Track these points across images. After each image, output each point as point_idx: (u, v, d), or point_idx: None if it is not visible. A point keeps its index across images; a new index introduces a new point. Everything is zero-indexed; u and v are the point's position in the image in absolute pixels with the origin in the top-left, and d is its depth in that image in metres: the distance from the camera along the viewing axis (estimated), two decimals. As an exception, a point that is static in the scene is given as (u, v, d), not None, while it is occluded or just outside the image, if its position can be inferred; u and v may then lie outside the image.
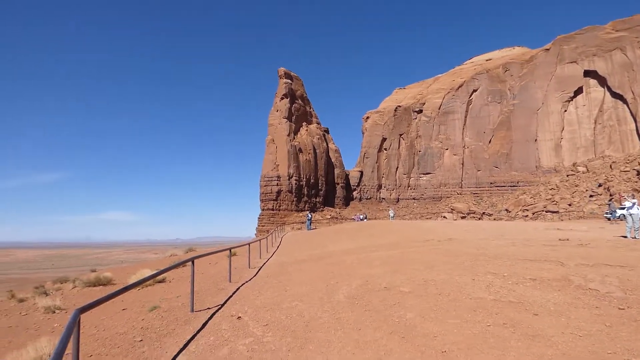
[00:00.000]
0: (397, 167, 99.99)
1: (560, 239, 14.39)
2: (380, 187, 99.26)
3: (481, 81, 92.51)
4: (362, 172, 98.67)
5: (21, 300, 16.50)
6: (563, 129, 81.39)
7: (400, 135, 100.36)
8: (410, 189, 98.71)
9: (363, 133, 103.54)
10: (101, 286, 16.53)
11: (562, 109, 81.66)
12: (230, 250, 12.12)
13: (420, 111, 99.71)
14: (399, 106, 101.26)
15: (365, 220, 53.64)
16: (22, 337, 9.29)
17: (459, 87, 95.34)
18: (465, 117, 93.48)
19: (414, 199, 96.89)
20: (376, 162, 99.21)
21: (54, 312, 12.13)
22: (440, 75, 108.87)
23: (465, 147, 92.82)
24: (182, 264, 7.92)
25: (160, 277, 12.88)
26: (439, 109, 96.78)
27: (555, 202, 58.53)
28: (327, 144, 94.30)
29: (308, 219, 48.48)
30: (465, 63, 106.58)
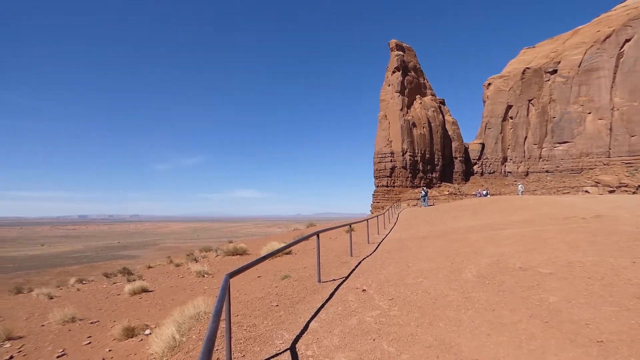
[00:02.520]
0: (526, 137, 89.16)
1: None
2: (505, 160, 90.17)
3: (636, 28, 75.42)
4: (483, 145, 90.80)
5: (177, 265, 19.74)
6: None
7: (529, 101, 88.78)
8: (543, 160, 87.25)
9: (484, 102, 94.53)
10: (238, 255, 18.71)
11: None
12: (350, 226, 12.44)
13: (555, 71, 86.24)
14: (527, 68, 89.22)
15: (487, 196, 49.62)
16: (182, 296, 11.11)
17: (606, 38, 79.25)
18: (615, 73, 77.68)
19: (547, 171, 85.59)
20: (500, 133, 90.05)
21: (203, 276, 14.19)
22: (580, 26, 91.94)
23: (615, 109, 77.51)
24: (308, 237, 8.41)
25: (287, 249, 13.95)
26: (579, 66, 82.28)
27: None
28: (443, 117, 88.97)
29: (422, 195, 46.93)
30: (614, 8, 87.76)
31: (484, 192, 54.01)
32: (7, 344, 8.33)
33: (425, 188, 53.87)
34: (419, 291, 6.50)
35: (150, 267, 22.08)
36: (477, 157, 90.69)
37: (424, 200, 45.70)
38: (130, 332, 7.51)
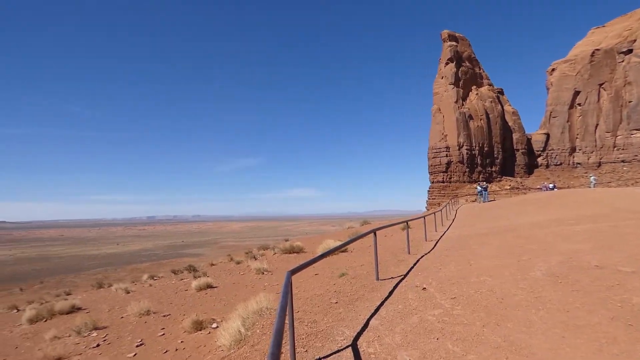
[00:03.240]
0: (597, 125, 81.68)
1: None
2: (573, 150, 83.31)
3: None
4: (548, 135, 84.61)
5: (238, 263, 20.58)
6: None
7: (600, 85, 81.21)
8: (617, 149, 79.41)
9: (548, 89, 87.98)
10: (295, 253, 19.11)
11: None
12: (407, 223, 12.22)
13: (630, 51, 78.04)
14: (597, 50, 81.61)
15: (554, 189, 46.23)
16: (244, 292, 11.59)
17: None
18: (703, 46, 68.74)
19: (623, 161, 77.81)
20: (567, 121, 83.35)
21: (263, 273, 14.68)
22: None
23: None
24: (365, 235, 8.39)
25: (343, 247, 14.02)
26: (660, 43, 73.90)
27: None
28: (502, 107, 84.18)
29: (479, 191, 44.81)
30: None
31: (551, 186, 50.38)
32: (94, 333, 9.23)
33: (483, 183, 51.27)
34: (483, 290, 6.25)
35: (213, 265, 23.23)
36: (541, 149, 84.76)
37: (483, 195, 43.63)
38: (198, 325, 7.98)
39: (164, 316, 9.99)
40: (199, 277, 15.41)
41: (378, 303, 6.37)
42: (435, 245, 12.57)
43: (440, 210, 24.12)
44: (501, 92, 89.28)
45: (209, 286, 12.97)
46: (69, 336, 9.32)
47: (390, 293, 6.86)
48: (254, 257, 20.40)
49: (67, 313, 12.28)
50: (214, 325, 7.90)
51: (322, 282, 9.21)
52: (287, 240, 28.73)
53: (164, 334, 8.36)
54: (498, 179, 77.11)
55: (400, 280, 7.75)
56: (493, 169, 78.51)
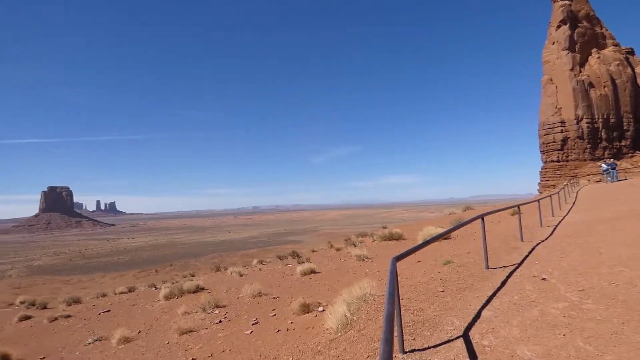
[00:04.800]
0: None
1: None
2: None
3: None
4: (699, 97, 69.27)
5: (338, 250, 21.10)
6: None
7: None
8: None
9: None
10: (394, 240, 18.91)
11: None
12: (518, 208, 11.17)
13: None
14: None
15: None
16: (346, 278, 11.85)
17: None
18: None
19: None
20: None
21: (363, 260, 14.82)
22: None
23: None
24: (471, 221, 7.88)
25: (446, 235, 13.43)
26: None
27: None
28: (632, 70, 71.10)
29: (604, 170, 38.78)
30: None
31: None
32: (216, 311, 10.36)
33: (610, 160, 44.40)
34: (619, 282, 5.43)
35: (314, 251, 24.23)
36: (689, 115, 69.78)
37: (611, 174, 37.75)
38: (305, 308, 8.41)
39: (274, 298, 10.75)
40: (303, 262, 16.20)
41: (489, 293, 5.96)
42: (553, 231, 11.29)
43: (558, 193, 21.49)
44: (631, 52, 75.25)
45: (313, 271, 13.56)
46: (196, 312, 10.61)
47: (503, 283, 6.36)
48: (353, 244, 20.72)
49: (193, 292, 13.98)
50: (320, 308, 8.23)
51: (425, 270, 8.96)
52: (385, 228, 28.53)
53: (275, 315, 9.00)
54: (629, 154, 65.73)
55: (514, 270, 7.14)
56: (622, 143, 67.07)
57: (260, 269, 18.55)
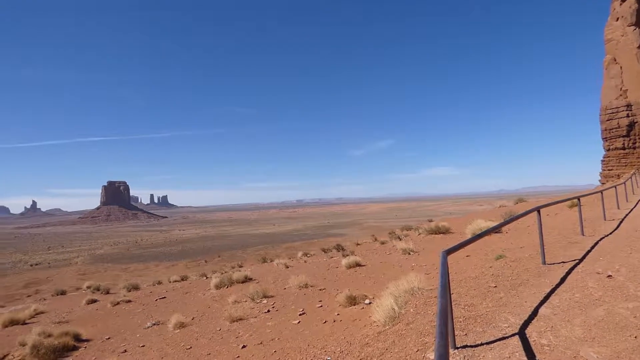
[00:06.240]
0: None
1: None
2: None
3: None
4: None
5: (382, 243, 20.91)
6: None
7: None
8: None
9: None
10: (441, 234, 18.42)
11: None
12: (578, 200, 10.44)
13: None
14: None
15: None
16: (392, 271, 11.71)
17: None
18: None
19: None
20: None
21: (409, 253, 14.57)
22: None
23: None
24: (526, 214, 7.46)
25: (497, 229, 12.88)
26: None
27: None
28: None
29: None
30: None
31: None
32: (264, 301, 10.65)
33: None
34: (700, 282, 4.93)
35: (358, 245, 24.17)
36: None
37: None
38: (352, 300, 8.42)
39: (320, 290, 10.86)
40: (347, 255, 16.22)
41: (547, 290, 5.64)
42: (619, 225, 10.47)
43: (624, 184, 19.81)
44: None
45: (358, 264, 13.53)
46: (245, 301, 10.96)
47: (563, 279, 5.99)
48: (398, 238, 20.43)
49: (242, 282, 14.45)
50: (367, 301, 8.21)
51: (475, 264, 8.65)
52: (431, 221, 27.87)
53: (321, 306, 9.09)
54: None
55: (575, 265, 6.70)
56: (701, 128, 60.54)
57: (305, 261, 18.82)
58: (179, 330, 9.50)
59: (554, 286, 5.75)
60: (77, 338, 10.28)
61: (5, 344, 10.90)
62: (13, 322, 13.56)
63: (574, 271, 6.36)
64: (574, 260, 7.12)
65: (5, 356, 9.42)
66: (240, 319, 9.15)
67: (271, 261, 23.69)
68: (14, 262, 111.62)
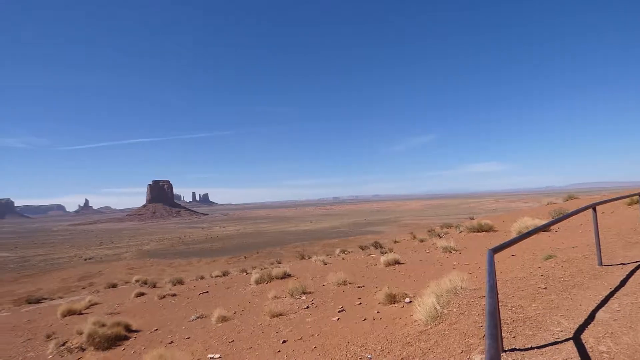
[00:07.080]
0: None
1: None
2: None
3: None
4: None
5: (421, 241, 20.45)
6: None
7: None
8: None
9: None
10: (484, 232, 17.76)
11: None
12: (639, 196, 9.68)
13: None
14: None
15: None
16: (432, 270, 11.42)
17: None
18: None
19: None
20: None
21: (450, 252, 14.15)
22: None
23: None
24: (580, 211, 7.00)
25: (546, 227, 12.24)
26: None
27: None
28: None
29: None
30: None
31: None
32: (303, 297, 10.74)
33: None
34: None
35: (396, 242, 23.81)
36: None
37: None
38: (392, 299, 8.29)
39: (359, 287, 10.79)
40: (386, 253, 16.01)
41: (605, 293, 5.27)
42: (685, 224, 9.61)
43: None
44: None
45: (397, 262, 13.33)
46: (285, 297, 11.10)
47: (623, 282, 5.57)
48: (438, 236, 19.91)
49: (281, 278, 14.66)
50: (407, 300, 8.05)
51: (522, 264, 8.25)
52: (472, 219, 26.93)
53: (360, 304, 9.04)
54: None
55: (637, 268, 6.21)
56: None
57: (343, 258, 18.78)
58: (221, 324, 9.78)
59: (612, 289, 5.36)
60: (128, 328, 10.84)
61: (65, 331, 11.72)
62: (71, 312, 14.59)
63: (635, 274, 5.90)
64: (636, 262, 6.60)
65: (65, 342, 10.11)
66: (280, 315, 9.28)
67: (309, 258, 23.85)
68: (70, 256, 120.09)
